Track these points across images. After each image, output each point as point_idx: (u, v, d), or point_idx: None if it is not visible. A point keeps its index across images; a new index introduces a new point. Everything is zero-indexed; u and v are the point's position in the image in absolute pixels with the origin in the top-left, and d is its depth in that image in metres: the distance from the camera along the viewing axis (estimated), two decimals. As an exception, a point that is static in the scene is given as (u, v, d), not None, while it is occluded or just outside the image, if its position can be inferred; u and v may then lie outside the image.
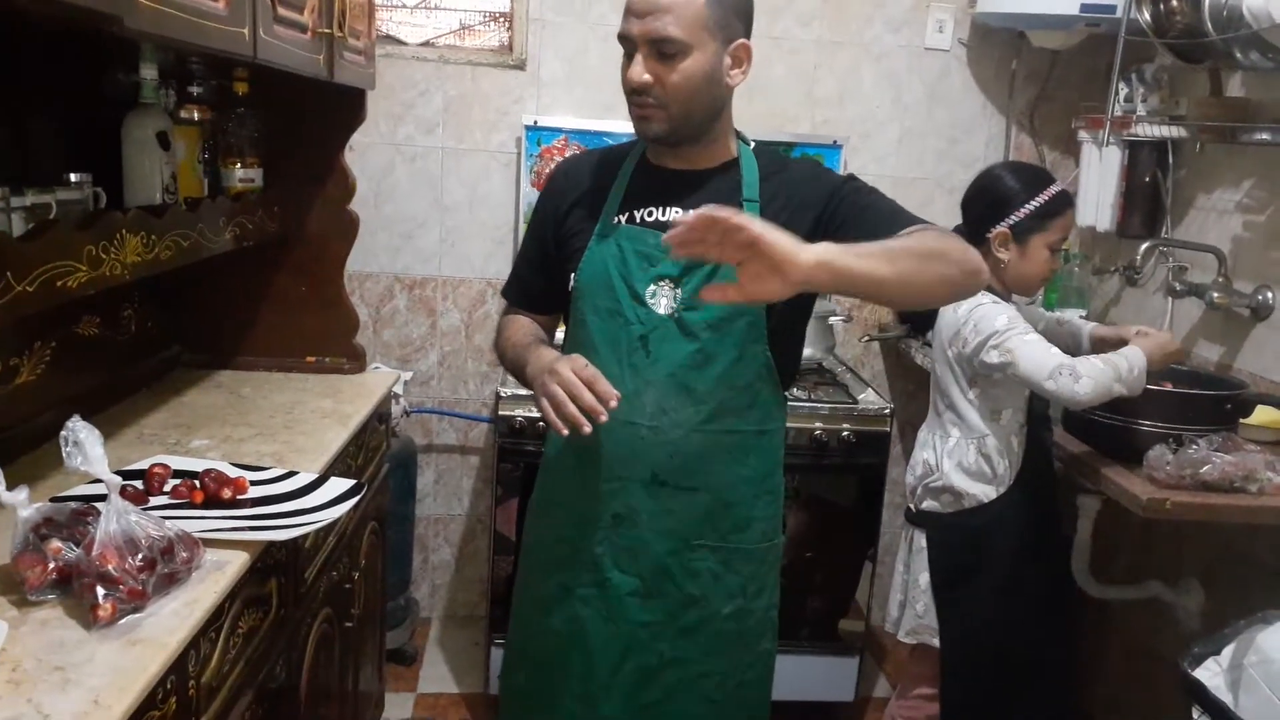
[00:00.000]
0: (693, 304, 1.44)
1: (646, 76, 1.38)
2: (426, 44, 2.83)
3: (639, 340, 1.46)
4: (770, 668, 1.67)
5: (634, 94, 1.41)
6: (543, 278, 1.61)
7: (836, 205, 1.44)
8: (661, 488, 1.48)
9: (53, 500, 1.34)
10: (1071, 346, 2.13)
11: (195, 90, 1.91)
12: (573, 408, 1.30)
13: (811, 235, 1.40)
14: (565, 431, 1.31)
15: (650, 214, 1.49)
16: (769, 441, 1.55)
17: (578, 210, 1.54)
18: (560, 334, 1.64)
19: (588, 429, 1.30)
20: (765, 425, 1.53)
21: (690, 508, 1.49)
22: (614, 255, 1.47)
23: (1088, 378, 1.77)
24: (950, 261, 1.27)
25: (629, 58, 1.41)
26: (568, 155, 1.64)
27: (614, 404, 1.30)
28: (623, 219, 1.50)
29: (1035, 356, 1.81)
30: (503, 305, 1.75)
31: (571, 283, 1.51)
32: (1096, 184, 2.63)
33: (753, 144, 1.55)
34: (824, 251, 1.15)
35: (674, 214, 1.48)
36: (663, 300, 1.45)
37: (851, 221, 1.40)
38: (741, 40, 1.43)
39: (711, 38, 1.38)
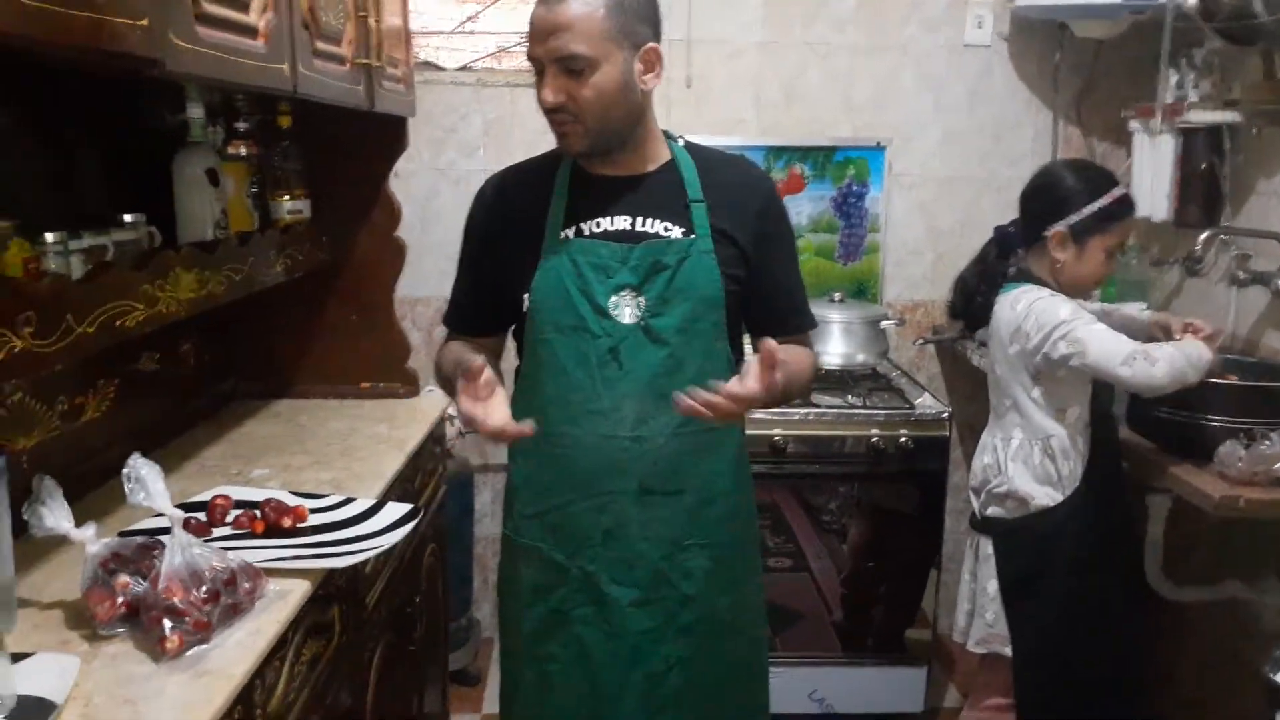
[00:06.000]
0: (658, 310, 1.45)
1: (559, 97, 1.39)
2: (464, 68, 2.86)
3: (609, 353, 1.45)
4: (766, 650, 1.70)
5: (550, 113, 1.41)
6: (484, 301, 1.58)
7: (765, 230, 1.53)
8: (649, 496, 1.48)
9: (120, 535, 1.37)
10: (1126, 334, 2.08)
11: (241, 126, 1.95)
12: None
13: (751, 241, 1.51)
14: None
15: (598, 225, 1.48)
16: (737, 432, 1.57)
17: (518, 229, 1.51)
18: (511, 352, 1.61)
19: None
20: None
21: (677, 510, 1.50)
22: (568, 270, 1.45)
23: (1164, 361, 1.73)
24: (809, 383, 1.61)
25: (541, 78, 1.41)
26: (493, 174, 1.61)
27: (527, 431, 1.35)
28: (570, 233, 1.48)
29: (1106, 343, 1.78)
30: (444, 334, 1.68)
31: (525, 303, 1.49)
32: (1150, 174, 2.57)
33: (682, 141, 1.56)
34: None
35: (622, 222, 1.48)
36: (626, 310, 1.45)
37: (768, 266, 1.54)
38: (651, 44, 1.43)
39: (618, 47, 1.38)
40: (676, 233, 1.48)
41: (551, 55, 1.37)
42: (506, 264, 1.51)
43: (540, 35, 1.38)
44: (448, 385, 1.55)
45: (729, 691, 1.60)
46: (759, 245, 1.52)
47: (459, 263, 1.62)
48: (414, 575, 2.04)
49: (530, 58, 1.41)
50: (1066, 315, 1.82)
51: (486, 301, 1.58)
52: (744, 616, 1.61)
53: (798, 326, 1.61)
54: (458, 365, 1.42)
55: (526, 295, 1.48)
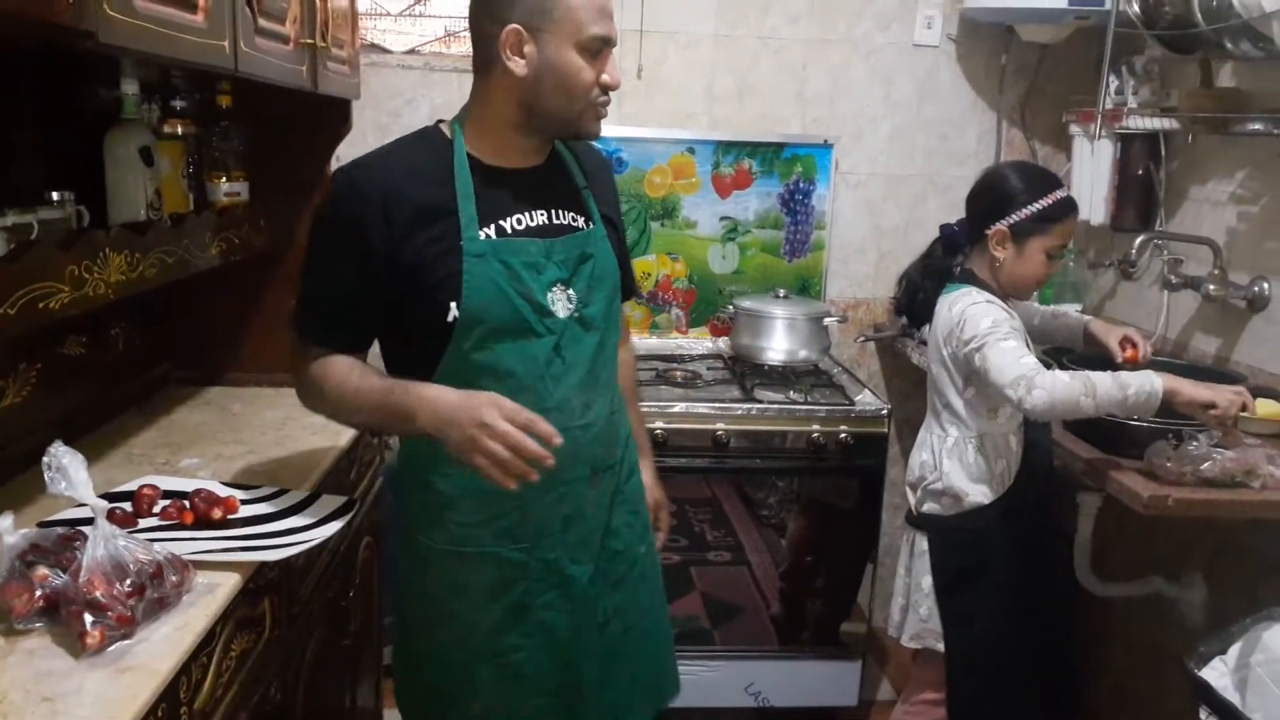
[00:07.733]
0: (587, 300, 1.48)
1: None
2: (412, 52, 2.82)
3: (554, 350, 1.44)
4: (665, 600, 1.77)
5: (606, 94, 1.43)
6: (365, 311, 1.42)
7: (618, 208, 1.66)
8: (596, 475, 1.52)
9: (40, 525, 1.32)
10: (1069, 340, 2.12)
11: (178, 104, 1.89)
12: (519, 464, 1.28)
13: (618, 222, 1.62)
14: (514, 486, 1.29)
15: (519, 221, 1.44)
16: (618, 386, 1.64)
17: (420, 230, 1.37)
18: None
19: (535, 477, 1.30)
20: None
21: (611, 480, 1.57)
22: (500, 273, 1.39)
23: (1042, 389, 1.72)
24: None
25: (594, 58, 1.39)
26: (350, 170, 1.42)
27: (558, 441, 1.30)
28: (490, 232, 1.40)
29: (1003, 364, 1.78)
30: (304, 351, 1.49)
31: (452, 313, 1.37)
32: (1089, 178, 2.62)
33: None
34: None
35: (540, 217, 1.47)
36: (559, 305, 1.45)
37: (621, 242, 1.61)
38: None
39: None
40: (582, 222, 1.51)
41: (614, 38, 1.41)
42: (418, 271, 1.37)
43: (609, 15, 1.41)
44: (370, 410, 1.41)
45: (652, 642, 1.67)
46: (620, 224, 1.63)
47: (321, 266, 1.43)
48: (349, 569, 2.00)
49: (599, 37, 1.39)
50: (984, 329, 1.83)
51: (366, 313, 1.43)
52: (653, 563, 1.70)
53: (630, 296, 1.70)
54: (372, 394, 1.38)
55: (454, 304, 1.37)
